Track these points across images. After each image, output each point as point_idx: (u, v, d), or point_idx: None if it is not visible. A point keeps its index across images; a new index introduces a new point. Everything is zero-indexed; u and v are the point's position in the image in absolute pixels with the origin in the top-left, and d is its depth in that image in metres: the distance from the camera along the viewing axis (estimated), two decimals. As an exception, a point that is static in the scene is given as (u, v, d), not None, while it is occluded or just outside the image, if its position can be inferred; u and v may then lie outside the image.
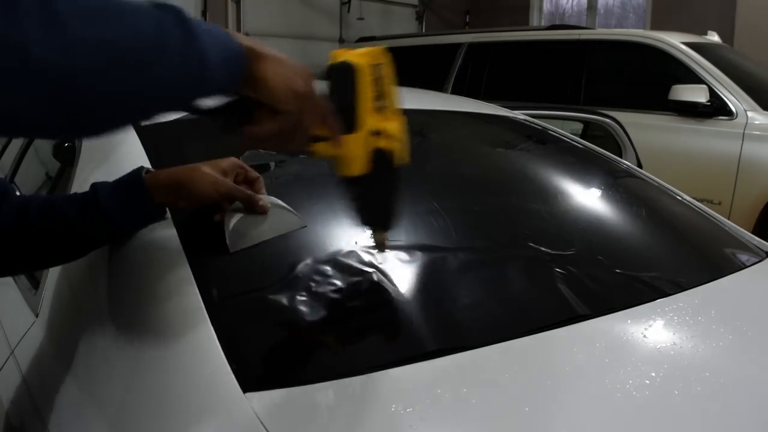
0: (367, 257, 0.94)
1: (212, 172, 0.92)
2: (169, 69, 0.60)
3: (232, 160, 0.95)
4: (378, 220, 0.89)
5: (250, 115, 0.73)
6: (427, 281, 0.94)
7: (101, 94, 0.57)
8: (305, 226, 0.96)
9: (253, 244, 0.91)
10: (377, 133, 0.80)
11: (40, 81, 0.53)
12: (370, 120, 0.79)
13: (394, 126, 0.82)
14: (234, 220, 0.91)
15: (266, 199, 0.94)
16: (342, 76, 0.79)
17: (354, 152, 0.80)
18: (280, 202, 0.96)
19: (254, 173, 0.97)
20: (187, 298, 0.83)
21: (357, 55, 0.79)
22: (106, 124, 0.62)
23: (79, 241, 0.92)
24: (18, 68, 0.51)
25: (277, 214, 0.94)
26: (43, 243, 0.91)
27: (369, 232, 0.91)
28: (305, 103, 0.74)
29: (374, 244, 0.92)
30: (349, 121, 0.79)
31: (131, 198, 0.90)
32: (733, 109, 3.67)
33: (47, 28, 0.52)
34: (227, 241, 0.89)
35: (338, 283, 0.90)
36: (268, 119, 0.73)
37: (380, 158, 0.81)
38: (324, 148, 0.79)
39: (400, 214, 0.91)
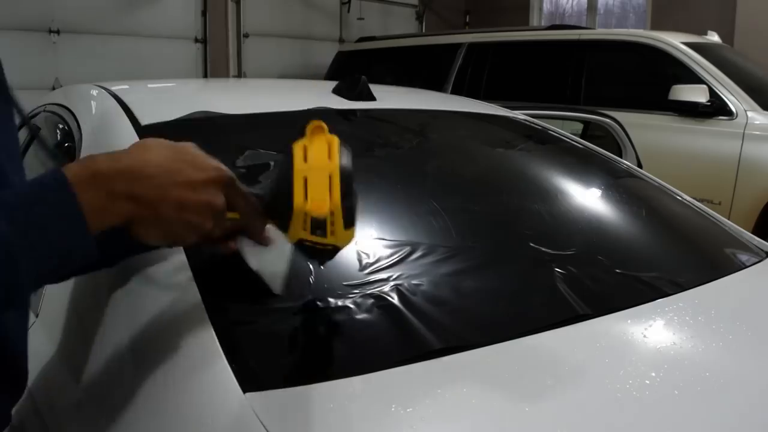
0: (366, 257, 0.94)
1: None
2: None
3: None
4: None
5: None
6: (426, 281, 0.94)
7: None
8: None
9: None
10: (307, 241, 0.75)
11: None
12: (299, 233, 0.74)
13: (331, 240, 0.74)
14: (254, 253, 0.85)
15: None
16: (282, 201, 0.73)
17: (287, 236, 0.76)
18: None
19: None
20: (188, 298, 0.83)
21: (307, 193, 0.71)
22: None
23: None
24: None
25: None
26: None
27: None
28: (200, 236, 0.69)
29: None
30: (281, 223, 0.75)
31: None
32: (733, 109, 3.67)
33: None
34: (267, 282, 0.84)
35: (338, 284, 0.90)
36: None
37: (312, 248, 0.76)
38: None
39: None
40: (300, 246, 0.76)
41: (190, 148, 0.69)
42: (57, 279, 0.64)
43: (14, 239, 0.56)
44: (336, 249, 0.76)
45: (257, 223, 0.77)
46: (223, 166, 0.70)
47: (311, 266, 0.90)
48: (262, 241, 0.79)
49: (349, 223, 0.74)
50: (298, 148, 0.73)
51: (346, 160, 0.73)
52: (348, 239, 0.75)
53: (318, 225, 0.72)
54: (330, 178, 0.72)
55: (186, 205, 0.66)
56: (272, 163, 1.02)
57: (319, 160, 0.72)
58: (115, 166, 0.63)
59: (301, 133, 0.75)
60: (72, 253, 0.61)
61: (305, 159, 0.72)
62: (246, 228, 0.77)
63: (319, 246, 0.74)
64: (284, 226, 0.74)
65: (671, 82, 3.84)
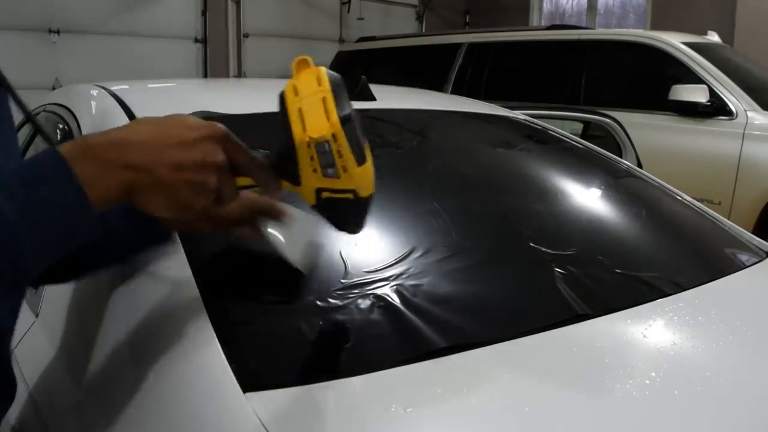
0: (366, 258, 0.94)
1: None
2: None
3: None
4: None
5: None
6: (426, 281, 0.94)
7: None
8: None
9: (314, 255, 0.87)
10: (324, 191, 0.72)
11: None
12: (313, 182, 0.71)
13: (348, 181, 0.71)
14: (282, 239, 0.85)
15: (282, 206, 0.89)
16: (281, 146, 0.71)
17: (303, 195, 0.74)
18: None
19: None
20: (188, 298, 0.83)
21: (300, 124, 0.69)
22: None
23: (75, 264, 0.81)
24: None
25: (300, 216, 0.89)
26: None
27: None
28: (208, 198, 0.67)
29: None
30: (291, 174, 0.72)
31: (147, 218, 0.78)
32: (733, 109, 3.67)
33: None
34: (292, 260, 0.85)
35: (338, 283, 0.90)
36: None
37: (328, 205, 0.73)
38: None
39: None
40: (321, 205, 0.73)
41: (179, 115, 0.68)
42: (58, 254, 0.62)
43: (17, 219, 0.56)
44: (357, 199, 0.72)
45: (269, 181, 0.73)
46: (217, 123, 0.68)
47: (311, 267, 0.90)
48: (276, 197, 0.77)
49: (359, 157, 0.70)
50: (288, 88, 0.71)
51: (338, 84, 0.71)
52: (365, 181, 0.72)
53: (326, 159, 0.69)
54: (324, 101, 0.69)
55: (183, 165, 0.64)
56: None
57: (310, 88, 0.70)
58: (106, 138, 0.63)
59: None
60: (75, 229, 0.61)
61: (296, 93, 0.70)
62: (258, 184, 0.73)
63: (339, 197, 0.71)
64: (295, 177, 0.71)
65: (671, 82, 3.84)
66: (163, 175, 0.63)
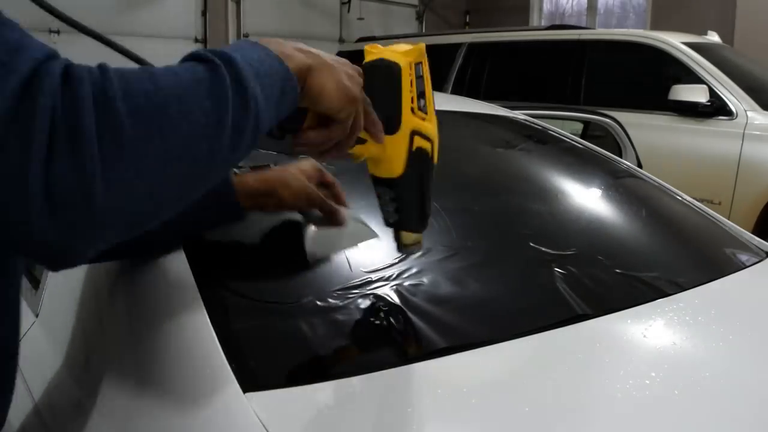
0: (367, 258, 0.94)
1: (303, 178, 0.91)
2: (229, 144, 0.58)
3: (312, 163, 0.94)
4: (412, 221, 0.87)
5: (301, 122, 0.72)
6: (426, 281, 0.94)
7: (169, 207, 0.57)
8: (377, 237, 0.95)
9: (328, 256, 0.91)
10: (416, 134, 0.80)
11: (109, 231, 0.51)
12: (410, 121, 0.79)
13: (431, 126, 0.82)
14: (313, 231, 0.90)
15: (344, 212, 0.94)
16: (383, 76, 0.77)
17: (394, 153, 0.79)
18: (354, 214, 0.96)
19: (330, 177, 0.95)
20: (188, 298, 0.83)
21: (397, 53, 0.77)
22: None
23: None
24: (85, 217, 0.49)
25: (352, 225, 0.94)
26: None
27: (402, 233, 0.88)
28: (359, 109, 0.72)
29: (409, 245, 0.89)
30: (389, 122, 0.78)
31: (217, 200, 0.84)
32: (733, 109, 3.67)
33: (109, 167, 0.49)
34: (307, 251, 0.89)
35: (338, 283, 0.90)
36: (320, 126, 0.72)
37: (418, 158, 0.81)
38: (364, 150, 0.78)
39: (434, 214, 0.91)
40: (414, 155, 0.80)
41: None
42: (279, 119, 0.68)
43: (264, 105, 0.61)
44: (432, 157, 0.84)
45: (380, 130, 0.78)
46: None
47: (312, 267, 0.90)
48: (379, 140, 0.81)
49: (432, 104, 0.82)
50: (377, 50, 0.79)
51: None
52: (437, 133, 0.84)
53: (420, 82, 0.79)
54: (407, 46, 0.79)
55: (347, 74, 0.71)
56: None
57: (398, 50, 0.78)
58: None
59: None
60: (286, 83, 0.65)
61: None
62: (370, 135, 0.78)
63: (424, 147, 0.81)
64: (395, 121, 0.78)
65: (671, 82, 3.84)
66: (333, 64, 0.70)
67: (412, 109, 0.78)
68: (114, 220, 0.51)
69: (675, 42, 4.00)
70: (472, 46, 4.91)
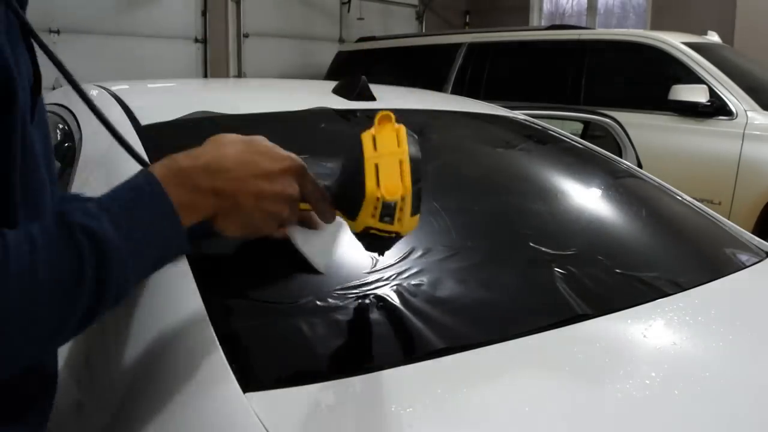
0: (367, 257, 0.94)
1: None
2: (76, 326, 0.58)
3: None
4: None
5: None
6: (426, 281, 0.94)
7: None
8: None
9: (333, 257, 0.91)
10: (371, 229, 0.77)
11: None
12: (367, 221, 0.76)
13: (397, 227, 0.76)
14: (304, 238, 0.88)
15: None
16: (352, 188, 0.76)
17: (351, 227, 0.80)
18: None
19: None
20: (188, 298, 0.83)
21: (379, 179, 0.73)
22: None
23: None
24: None
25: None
26: None
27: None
28: (276, 225, 0.74)
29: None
30: (349, 211, 0.78)
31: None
32: (733, 109, 3.67)
33: None
34: (314, 263, 0.88)
35: (338, 283, 0.90)
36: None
37: (374, 238, 0.79)
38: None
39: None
40: (363, 235, 0.78)
41: (262, 140, 0.73)
42: (152, 272, 0.69)
43: (120, 244, 0.59)
44: (398, 237, 0.78)
45: (327, 211, 0.80)
46: (295, 156, 0.73)
47: (312, 267, 0.90)
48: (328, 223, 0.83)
49: (416, 209, 0.76)
50: (366, 138, 0.76)
51: (415, 147, 0.76)
52: (411, 227, 0.78)
53: (388, 211, 0.74)
54: (400, 163, 0.74)
55: (264, 195, 0.70)
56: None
57: (389, 147, 0.75)
58: (196, 162, 0.67)
59: (364, 126, 0.78)
60: (170, 251, 0.66)
61: (375, 147, 0.75)
62: (317, 214, 0.80)
63: (383, 233, 0.77)
64: (352, 214, 0.76)
65: (671, 82, 3.84)
66: (244, 203, 0.69)
67: (374, 216, 0.75)
68: None
69: (675, 42, 4.00)
70: (472, 46, 4.91)
